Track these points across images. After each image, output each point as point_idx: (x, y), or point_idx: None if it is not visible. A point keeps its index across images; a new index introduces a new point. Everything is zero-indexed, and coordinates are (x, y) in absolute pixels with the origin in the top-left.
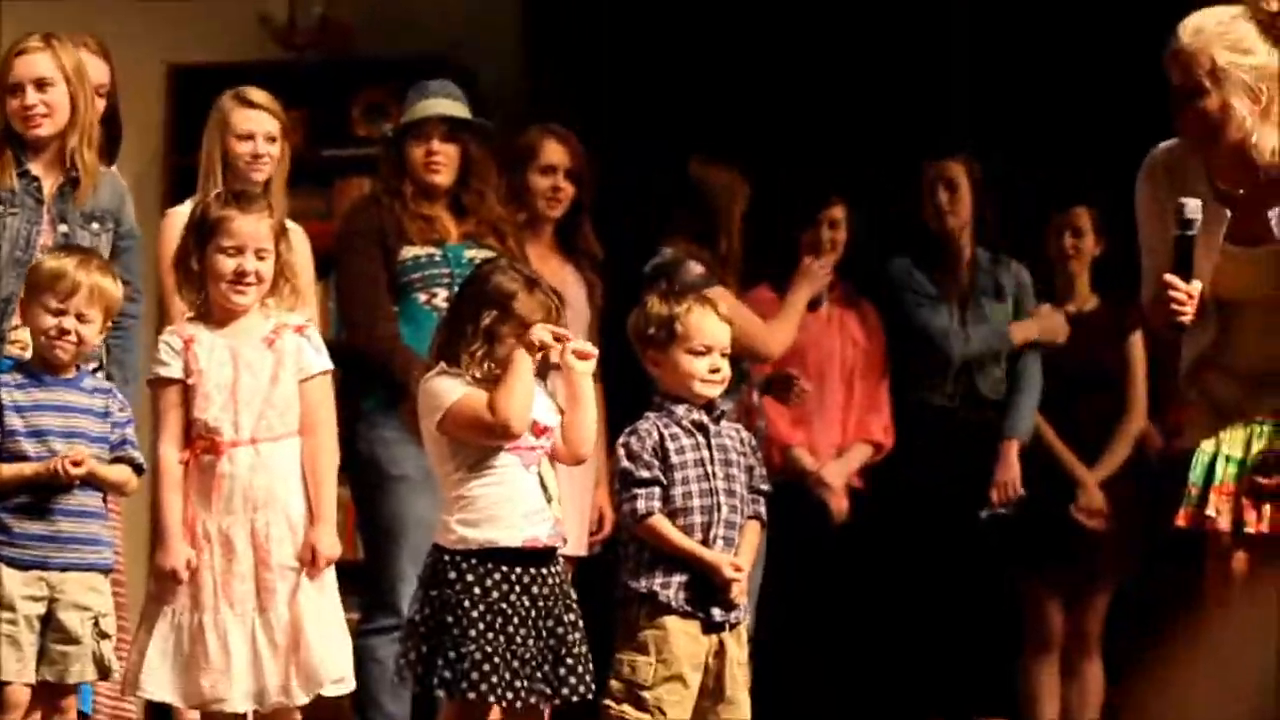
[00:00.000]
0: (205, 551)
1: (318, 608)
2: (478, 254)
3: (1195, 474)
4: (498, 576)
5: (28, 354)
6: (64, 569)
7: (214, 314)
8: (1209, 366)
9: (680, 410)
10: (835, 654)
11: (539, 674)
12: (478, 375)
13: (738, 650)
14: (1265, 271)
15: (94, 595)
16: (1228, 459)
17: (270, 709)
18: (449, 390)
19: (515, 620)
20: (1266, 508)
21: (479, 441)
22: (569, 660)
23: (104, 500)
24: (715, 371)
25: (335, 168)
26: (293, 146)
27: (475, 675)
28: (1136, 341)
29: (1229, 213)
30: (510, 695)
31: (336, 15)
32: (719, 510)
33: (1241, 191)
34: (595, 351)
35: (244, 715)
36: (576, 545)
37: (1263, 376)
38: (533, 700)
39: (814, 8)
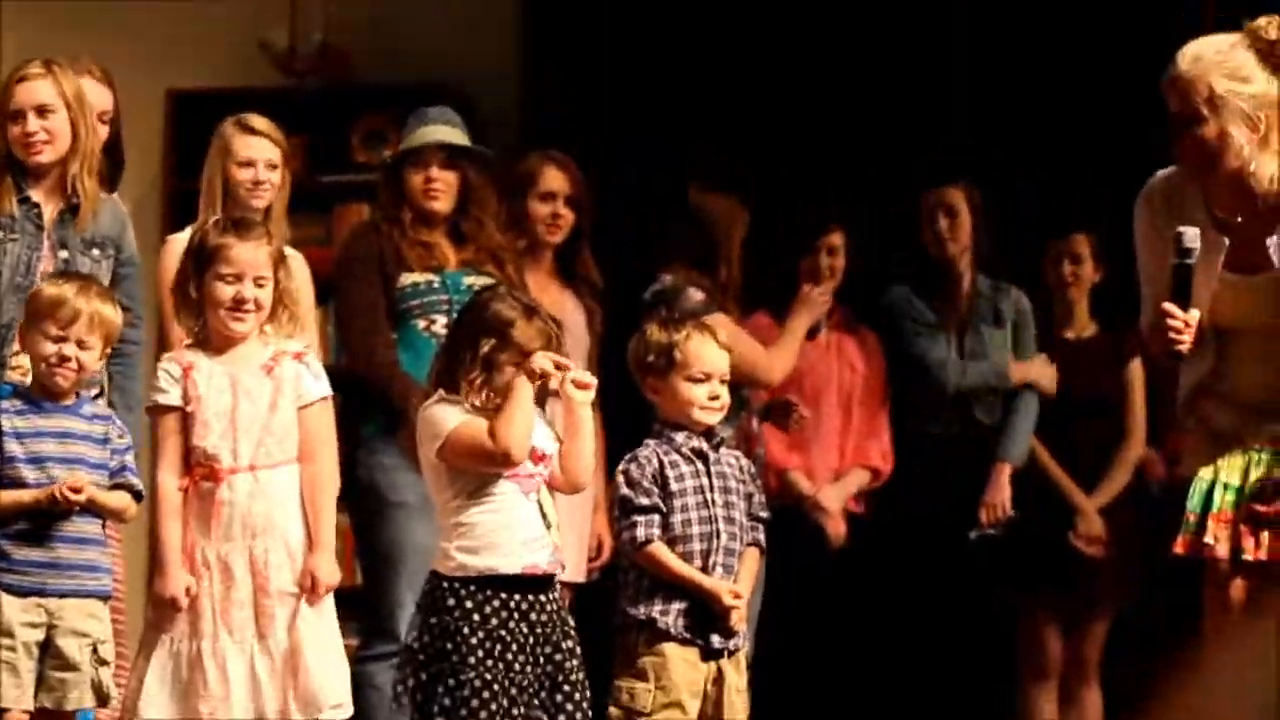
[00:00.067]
0: (204, 578)
1: (316, 634)
2: (476, 281)
3: (1193, 502)
4: (497, 604)
5: (28, 380)
6: (63, 596)
7: (213, 341)
8: (1207, 394)
9: (680, 437)
10: (834, 680)
11: (536, 701)
12: (477, 403)
13: (736, 677)
14: (1263, 299)
15: (93, 622)
16: (1225, 486)
17: None
18: (448, 418)
19: (514, 647)
20: (1264, 535)
21: (479, 468)
22: (566, 687)
23: (103, 527)
24: (715, 399)
25: (334, 194)
26: (293, 173)
27: (475, 702)
28: (1135, 368)
29: (1227, 240)
30: None
31: (336, 42)
32: (718, 537)
33: (1239, 219)
34: (594, 381)
35: None
36: (575, 572)
37: (1260, 404)
38: None
39: (812, 35)
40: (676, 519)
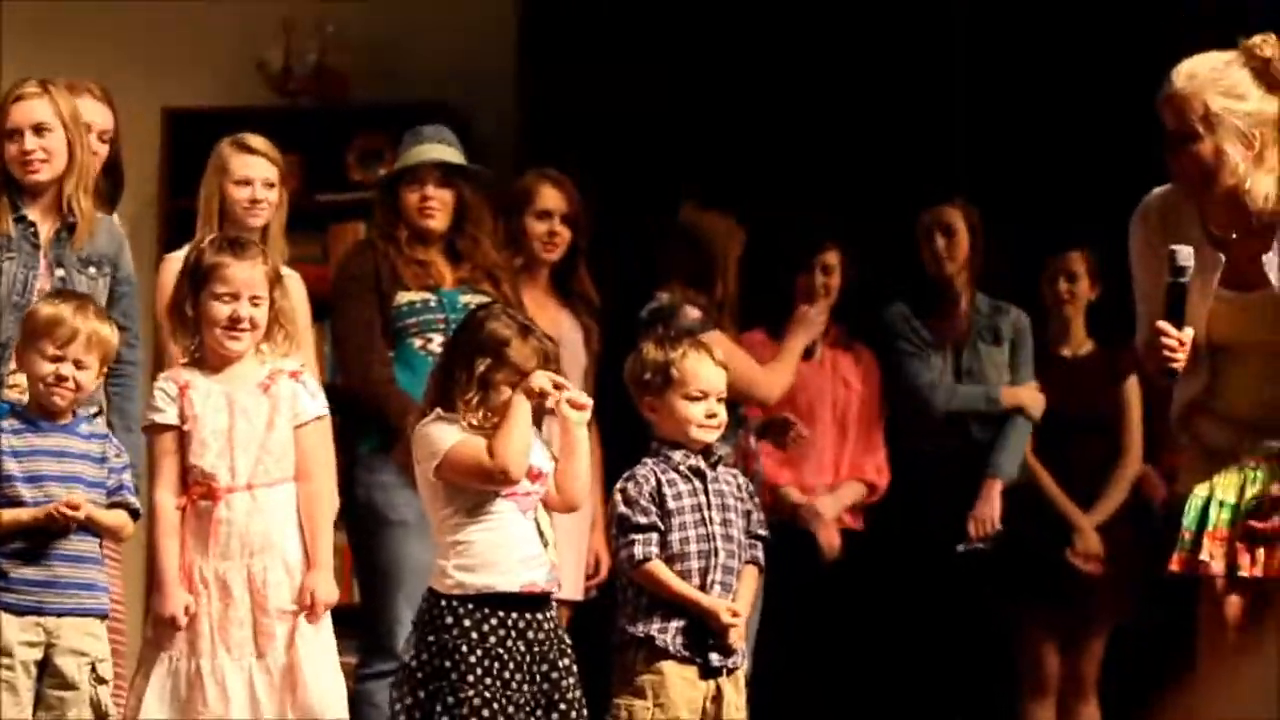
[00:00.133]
0: (203, 597)
1: (314, 650)
2: (472, 299)
3: (1188, 519)
4: (494, 622)
5: (25, 399)
6: (60, 614)
7: (209, 360)
8: (1201, 412)
9: (677, 456)
10: (833, 697)
11: (533, 719)
12: (474, 422)
13: (735, 695)
14: (1258, 316)
15: (91, 641)
16: (1221, 504)
17: None
18: (445, 436)
19: (511, 666)
20: (1260, 552)
21: (477, 486)
22: (562, 706)
23: (100, 546)
24: (712, 416)
25: (330, 213)
26: (290, 192)
27: None
28: (1132, 386)
29: (1223, 258)
30: None
31: (332, 62)
32: (716, 555)
33: (1235, 236)
34: (590, 402)
35: None
36: (573, 590)
37: (1256, 421)
38: None
39: (809, 56)
40: (674, 537)
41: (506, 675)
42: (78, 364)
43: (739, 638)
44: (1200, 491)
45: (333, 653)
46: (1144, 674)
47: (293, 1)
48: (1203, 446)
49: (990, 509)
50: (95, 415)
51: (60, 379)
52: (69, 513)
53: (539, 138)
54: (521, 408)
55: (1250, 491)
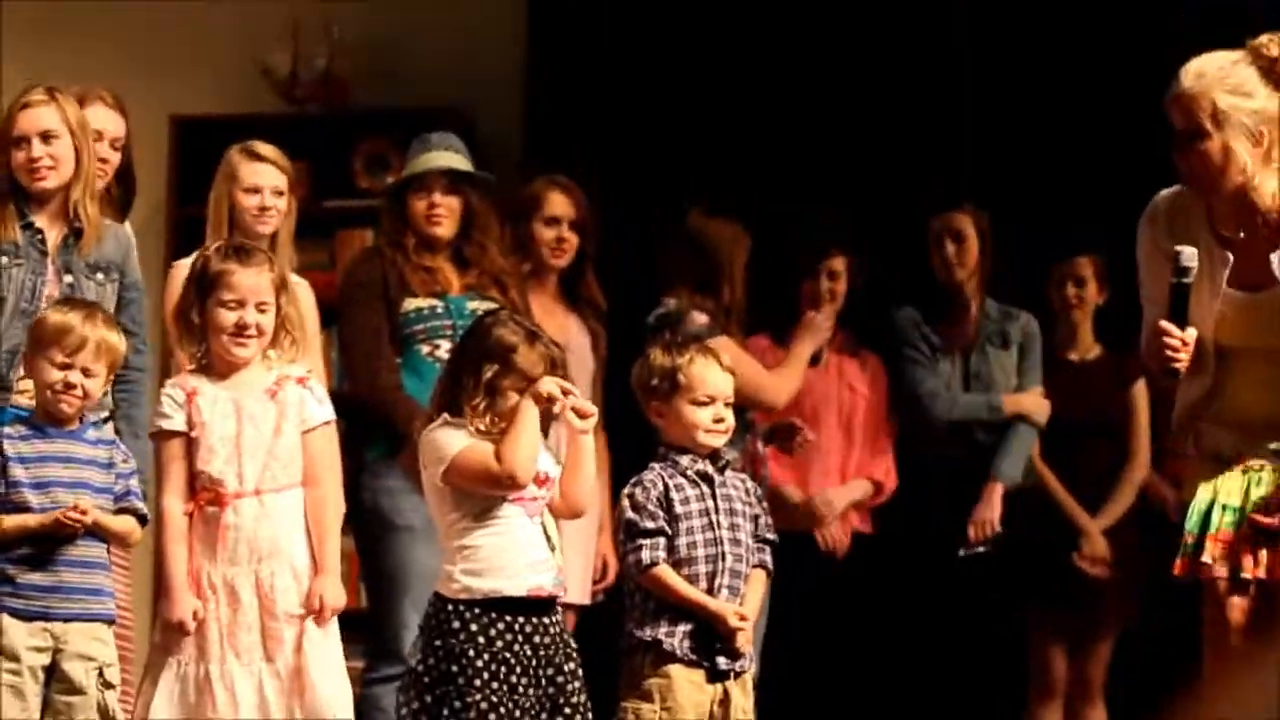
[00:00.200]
0: (211, 602)
1: (322, 653)
2: (480, 305)
3: (1191, 522)
4: (501, 626)
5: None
6: (68, 620)
7: (216, 366)
8: (1204, 417)
9: (685, 461)
10: (841, 701)
11: None
12: (481, 428)
13: (743, 699)
14: (1266, 317)
15: (98, 646)
16: (1225, 507)
17: None
18: (453, 441)
19: (518, 670)
20: (1263, 553)
21: (484, 491)
22: (567, 710)
23: (107, 551)
24: (719, 421)
25: (337, 219)
26: (298, 199)
27: None
28: (1140, 390)
29: (1231, 257)
30: None
31: (338, 68)
32: (723, 560)
33: (1243, 235)
34: (594, 411)
35: None
36: (580, 594)
37: (1260, 425)
38: None
39: (818, 62)
40: (682, 542)
41: (513, 680)
42: (86, 372)
43: (746, 641)
44: (1204, 495)
45: (339, 656)
46: (1151, 678)
47: (297, 6)
48: (1206, 451)
49: (990, 512)
50: (105, 420)
51: (68, 386)
52: (76, 518)
53: (545, 142)
54: (529, 413)
55: (1255, 494)
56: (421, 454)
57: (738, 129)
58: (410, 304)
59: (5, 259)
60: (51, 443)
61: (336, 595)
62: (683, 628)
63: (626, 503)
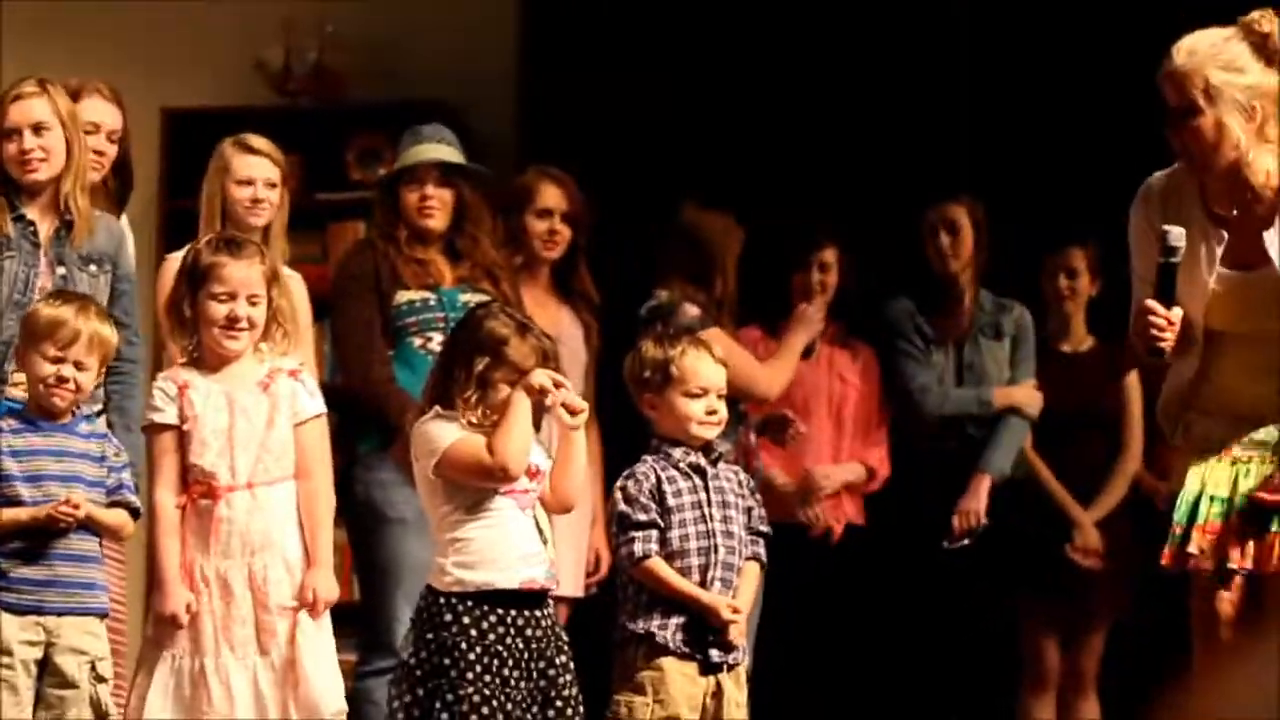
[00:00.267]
0: (204, 595)
1: (315, 644)
2: (472, 298)
3: (1179, 513)
4: (494, 619)
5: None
6: (60, 614)
7: (207, 359)
8: (1193, 405)
9: (677, 453)
10: (834, 693)
11: (529, 716)
12: (473, 420)
13: (736, 691)
14: (1258, 296)
15: (90, 640)
16: (1212, 498)
17: None
18: (445, 434)
19: (510, 662)
20: (1250, 545)
21: (476, 484)
22: (559, 703)
23: (100, 545)
24: (712, 413)
25: (330, 212)
26: (291, 191)
27: (474, 718)
28: (1132, 382)
29: (1225, 234)
30: None
31: (331, 61)
32: (716, 552)
33: (1236, 213)
34: (585, 406)
35: None
36: (573, 586)
37: (1247, 414)
38: None
39: (811, 55)
40: (674, 534)
41: (505, 672)
42: (78, 365)
43: (739, 634)
44: (1192, 485)
45: (331, 648)
46: (1143, 669)
47: (292, 1)
48: (1195, 442)
49: (975, 503)
50: (97, 414)
51: (61, 380)
52: (69, 512)
53: (538, 136)
54: (521, 405)
55: (1243, 486)
56: (413, 446)
57: (730, 122)
58: (402, 296)
59: None
60: (44, 436)
61: (329, 588)
62: (675, 620)
63: (619, 495)
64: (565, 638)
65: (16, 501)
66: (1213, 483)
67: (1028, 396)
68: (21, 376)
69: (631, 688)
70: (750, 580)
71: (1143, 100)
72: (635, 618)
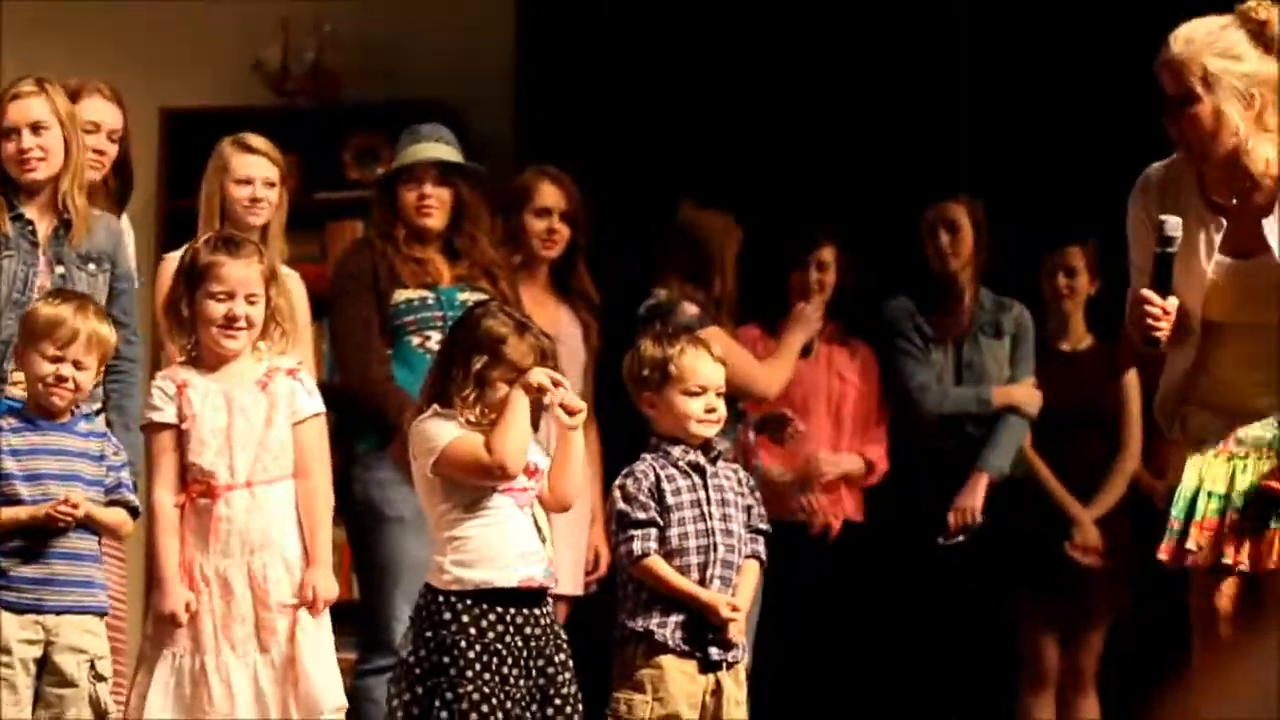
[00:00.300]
0: (204, 594)
1: (314, 642)
2: (470, 297)
3: (1177, 509)
4: (493, 617)
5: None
6: (59, 612)
7: (206, 359)
8: (1190, 398)
9: (676, 451)
10: (833, 691)
11: (528, 714)
12: (471, 419)
13: (735, 689)
14: (1256, 285)
15: (90, 638)
16: (1210, 494)
17: None
18: (443, 432)
19: (509, 660)
20: (1246, 543)
21: (474, 482)
22: (557, 701)
23: (99, 544)
24: (711, 412)
25: (328, 211)
26: (289, 191)
27: (473, 716)
28: (1131, 380)
29: (1224, 222)
30: None
31: (329, 61)
32: (715, 550)
33: (1235, 201)
34: (583, 406)
35: None
36: (572, 585)
37: (1245, 408)
38: None
39: (810, 55)
40: (673, 533)
41: (504, 671)
42: (77, 364)
43: (739, 632)
44: (1189, 481)
45: (331, 647)
46: (1142, 668)
47: (290, 1)
48: (1192, 437)
49: (971, 501)
50: (95, 413)
51: (60, 379)
52: (68, 511)
53: (536, 136)
54: (519, 403)
55: (1240, 482)
56: (411, 445)
57: (729, 121)
58: (400, 295)
59: None
60: (43, 435)
61: (329, 586)
62: (675, 618)
63: (618, 494)
64: (564, 636)
65: (15, 500)
66: (1210, 478)
67: (1027, 395)
68: (20, 375)
69: (631, 686)
70: (749, 578)
71: (1142, 100)
72: (634, 616)
